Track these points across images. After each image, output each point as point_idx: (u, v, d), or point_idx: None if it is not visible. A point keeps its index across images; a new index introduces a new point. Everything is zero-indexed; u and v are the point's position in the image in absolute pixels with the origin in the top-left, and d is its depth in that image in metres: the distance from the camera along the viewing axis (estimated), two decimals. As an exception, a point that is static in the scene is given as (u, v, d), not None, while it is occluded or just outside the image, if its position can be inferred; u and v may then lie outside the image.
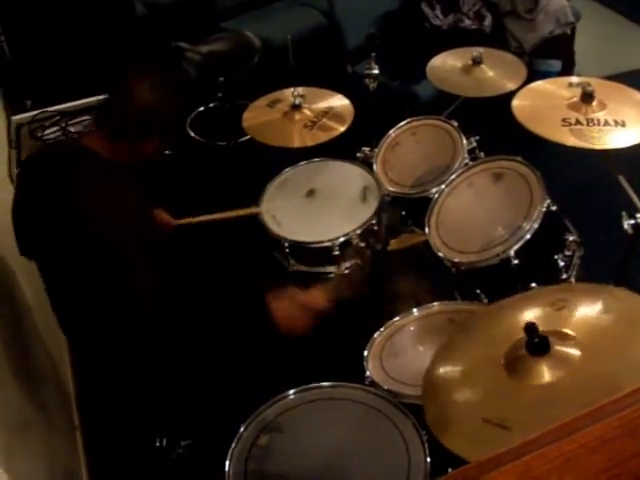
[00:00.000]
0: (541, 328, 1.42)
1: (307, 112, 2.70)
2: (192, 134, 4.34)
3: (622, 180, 2.20)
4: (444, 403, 1.52)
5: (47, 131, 3.04)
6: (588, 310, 1.50)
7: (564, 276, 2.16)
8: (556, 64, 4.25)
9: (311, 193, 2.67)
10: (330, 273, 2.50)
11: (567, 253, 2.18)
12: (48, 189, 1.90)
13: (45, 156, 2.06)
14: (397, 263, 2.56)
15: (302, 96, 2.72)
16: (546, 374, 1.38)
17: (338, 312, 2.17)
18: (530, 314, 1.58)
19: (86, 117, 3.07)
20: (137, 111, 1.88)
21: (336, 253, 2.44)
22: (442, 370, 1.62)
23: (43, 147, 2.10)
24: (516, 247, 2.12)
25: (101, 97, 2.58)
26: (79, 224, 1.81)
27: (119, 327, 1.84)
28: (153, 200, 2.34)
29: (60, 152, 2.03)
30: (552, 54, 4.24)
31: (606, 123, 2.15)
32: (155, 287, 1.83)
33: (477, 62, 2.80)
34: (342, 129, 2.63)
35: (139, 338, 1.83)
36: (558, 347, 1.41)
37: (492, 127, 2.73)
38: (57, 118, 3.11)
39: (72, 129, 3.04)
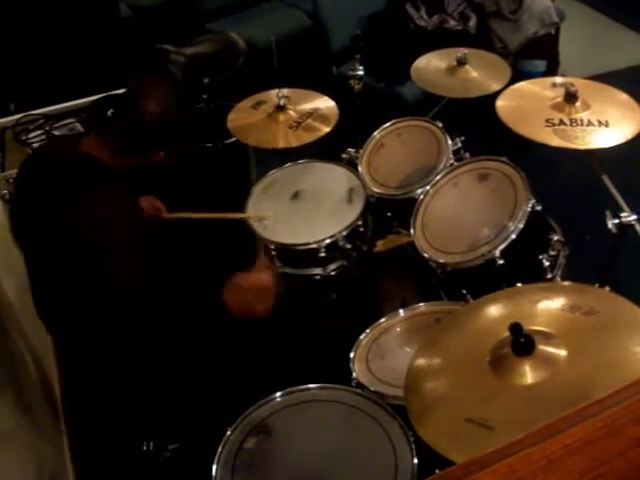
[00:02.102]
0: (525, 326, 1.42)
1: (292, 113, 2.70)
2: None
3: (606, 180, 2.21)
4: (427, 400, 1.52)
5: (31, 134, 3.02)
6: (571, 310, 1.50)
7: (549, 276, 2.16)
8: (540, 64, 4.27)
9: (297, 195, 2.67)
10: (316, 275, 2.51)
11: (552, 253, 2.19)
12: (47, 194, 1.89)
13: (45, 160, 2.04)
14: (383, 264, 2.56)
15: (287, 97, 2.72)
16: (530, 374, 1.38)
17: (324, 314, 2.18)
18: (514, 312, 1.58)
19: (70, 120, 3.06)
20: (147, 129, 1.89)
21: (322, 255, 2.44)
22: (424, 367, 1.62)
23: (41, 149, 2.10)
24: (501, 247, 2.12)
25: (88, 100, 2.57)
26: (77, 230, 1.80)
27: (105, 330, 1.83)
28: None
29: (61, 157, 2.01)
30: (536, 54, 4.26)
31: (589, 123, 2.16)
32: (143, 290, 1.82)
33: (462, 63, 2.80)
34: (327, 130, 2.64)
35: (127, 340, 1.82)
36: (542, 347, 1.41)
37: (477, 128, 2.74)
38: (41, 121, 3.09)
39: (56, 132, 3.03)
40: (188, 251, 2.42)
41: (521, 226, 2.13)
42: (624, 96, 2.29)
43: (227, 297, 1.89)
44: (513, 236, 2.13)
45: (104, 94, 2.43)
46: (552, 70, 4.30)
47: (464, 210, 2.35)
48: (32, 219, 1.94)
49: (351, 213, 2.53)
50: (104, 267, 1.77)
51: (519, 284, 2.06)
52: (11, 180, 2.71)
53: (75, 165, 1.90)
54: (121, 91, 1.98)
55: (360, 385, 1.95)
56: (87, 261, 1.78)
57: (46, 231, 1.89)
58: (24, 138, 2.99)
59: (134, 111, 1.88)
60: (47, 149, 2.15)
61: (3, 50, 3.44)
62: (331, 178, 2.73)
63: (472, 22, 4.09)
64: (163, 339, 1.85)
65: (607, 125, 2.15)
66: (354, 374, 2.00)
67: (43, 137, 3.00)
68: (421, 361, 1.64)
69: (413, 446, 1.68)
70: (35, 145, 2.95)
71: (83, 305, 1.85)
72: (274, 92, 2.77)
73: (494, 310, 1.66)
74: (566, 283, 2.03)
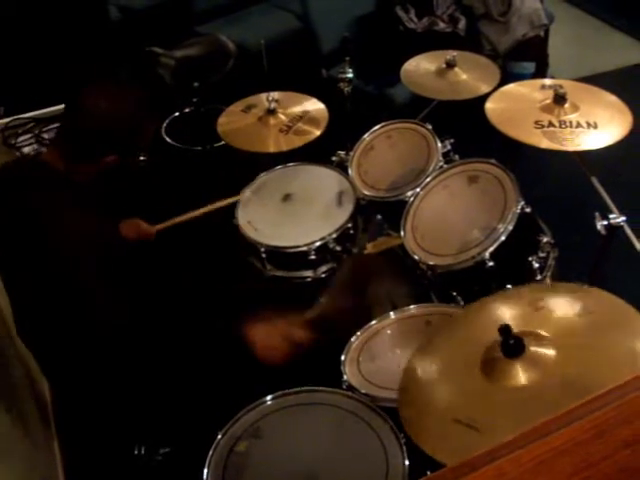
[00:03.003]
0: (518, 328, 1.43)
1: (282, 117, 2.70)
2: (167, 139, 4.33)
3: (595, 181, 2.22)
4: (419, 401, 1.53)
5: (21, 138, 3.01)
6: (564, 311, 1.51)
7: (539, 277, 2.16)
8: (530, 66, 4.29)
9: (287, 198, 2.67)
10: (307, 277, 2.51)
11: (541, 254, 2.20)
12: (8, 208, 1.91)
13: (8, 173, 2.06)
14: (373, 267, 2.56)
15: (277, 101, 2.71)
16: (521, 376, 1.39)
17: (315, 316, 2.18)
18: (507, 314, 1.59)
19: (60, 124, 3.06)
20: (91, 131, 1.89)
21: (312, 257, 2.44)
22: (419, 369, 1.62)
23: (8, 163, 2.11)
24: (491, 249, 2.12)
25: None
26: (34, 244, 1.82)
27: (85, 342, 1.84)
28: (128, 209, 2.34)
29: (21, 169, 2.03)
30: (526, 56, 4.28)
31: (578, 125, 2.17)
32: (115, 304, 1.83)
33: (451, 65, 2.81)
34: (317, 133, 2.64)
35: (106, 351, 1.83)
36: (533, 348, 1.42)
37: (466, 130, 2.75)
38: (31, 125, 3.09)
39: (46, 136, 3.02)
40: (181, 264, 2.42)
41: (511, 228, 2.13)
42: (612, 98, 2.31)
43: (254, 336, 1.97)
44: (503, 238, 2.13)
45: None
46: (541, 72, 4.32)
47: (454, 212, 2.36)
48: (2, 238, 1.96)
49: (341, 215, 2.53)
50: (70, 290, 1.79)
51: (509, 285, 2.07)
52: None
53: (34, 177, 1.91)
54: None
55: (351, 388, 1.94)
56: (53, 285, 1.81)
57: (13, 251, 1.91)
58: (13, 142, 2.98)
59: (83, 110, 1.90)
60: (11, 166, 2.16)
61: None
62: (321, 181, 2.73)
63: (461, 24, 4.10)
64: (149, 352, 1.86)
65: (596, 127, 2.16)
66: (345, 377, 2.00)
67: (32, 141, 3.00)
68: (417, 363, 1.65)
69: (404, 448, 1.68)
70: (25, 149, 2.95)
71: (55, 325, 1.87)
72: (264, 96, 2.77)
73: (490, 313, 1.66)
74: (561, 284, 2.03)
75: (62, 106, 3.08)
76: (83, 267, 1.78)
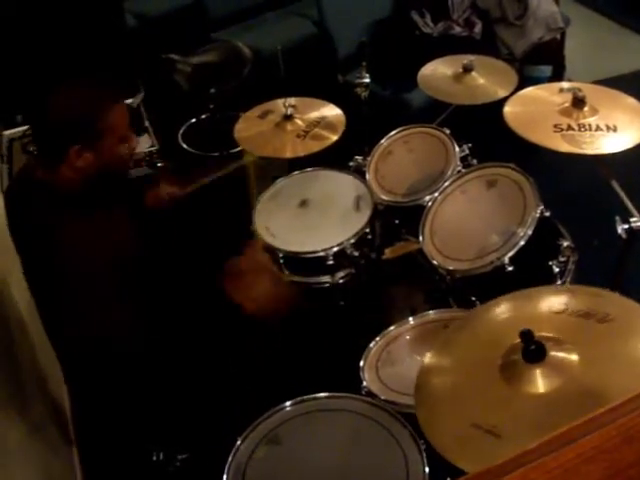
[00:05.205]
0: (537, 331, 1.41)
1: (299, 122, 2.70)
2: (184, 146, 4.34)
3: (615, 185, 2.20)
4: (436, 404, 1.52)
5: (39, 145, 3.03)
6: (584, 316, 1.49)
7: (559, 282, 2.15)
8: (546, 70, 4.28)
9: (304, 203, 2.66)
10: (325, 283, 2.50)
11: (561, 259, 2.18)
12: (18, 221, 1.97)
13: (15, 188, 2.11)
14: (392, 272, 2.55)
15: (294, 106, 2.71)
16: (541, 381, 1.37)
17: (334, 322, 2.18)
18: (528, 316, 1.57)
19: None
20: (46, 123, 1.90)
21: (330, 263, 2.44)
22: (435, 371, 1.61)
23: (16, 175, 2.15)
24: (510, 254, 2.11)
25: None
26: (42, 255, 1.86)
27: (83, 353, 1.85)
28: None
29: (23, 184, 2.06)
30: (542, 60, 4.26)
31: (598, 128, 2.15)
32: (123, 307, 1.83)
33: (468, 69, 2.80)
34: (334, 138, 2.63)
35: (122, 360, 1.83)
36: (554, 353, 1.40)
37: (484, 134, 2.74)
38: (48, 132, 3.10)
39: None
40: (196, 268, 2.42)
41: (530, 232, 2.12)
42: (631, 100, 2.29)
43: (226, 285, 1.93)
44: (522, 242, 2.12)
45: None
46: (558, 75, 4.31)
47: (473, 217, 2.35)
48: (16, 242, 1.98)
49: (359, 221, 2.52)
50: (72, 294, 1.80)
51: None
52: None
53: (32, 193, 1.94)
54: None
55: (370, 394, 1.94)
56: (56, 289, 1.83)
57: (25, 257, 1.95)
58: (31, 149, 2.99)
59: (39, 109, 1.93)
60: (20, 174, 2.18)
61: (9, 62, 3.45)
62: (338, 186, 2.73)
63: (477, 28, 4.09)
64: (167, 359, 1.86)
65: (615, 130, 2.14)
66: (364, 383, 1.99)
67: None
68: (432, 363, 1.63)
69: (424, 455, 1.67)
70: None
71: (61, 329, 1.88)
72: (281, 101, 2.77)
73: (507, 313, 1.65)
74: (582, 287, 2.02)
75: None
76: (94, 277, 1.79)
